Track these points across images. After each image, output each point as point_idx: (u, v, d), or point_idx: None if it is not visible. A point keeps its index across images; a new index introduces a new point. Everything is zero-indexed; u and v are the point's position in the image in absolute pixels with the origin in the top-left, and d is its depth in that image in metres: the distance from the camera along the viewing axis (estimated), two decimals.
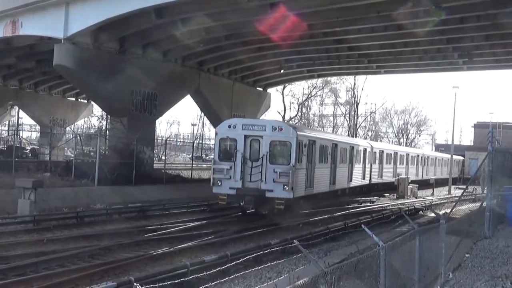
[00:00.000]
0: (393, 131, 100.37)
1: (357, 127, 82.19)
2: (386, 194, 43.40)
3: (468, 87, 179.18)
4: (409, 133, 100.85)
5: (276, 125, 26.71)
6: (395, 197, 42.91)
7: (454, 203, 26.46)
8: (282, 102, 62.86)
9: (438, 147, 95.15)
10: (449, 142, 75.04)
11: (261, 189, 25.33)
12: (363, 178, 40.41)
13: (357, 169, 38.42)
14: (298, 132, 26.43)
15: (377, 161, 43.46)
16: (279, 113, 62.66)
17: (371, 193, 41.38)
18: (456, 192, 52.48)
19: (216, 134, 27.09)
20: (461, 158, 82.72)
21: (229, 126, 26.68)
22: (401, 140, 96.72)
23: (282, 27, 29.47)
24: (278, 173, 25.36)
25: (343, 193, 35.83)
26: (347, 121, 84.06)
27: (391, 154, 47.95)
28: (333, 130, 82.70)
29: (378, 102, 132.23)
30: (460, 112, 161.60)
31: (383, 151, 45.72)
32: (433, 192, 50.26)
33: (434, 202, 38.93)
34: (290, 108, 67.34)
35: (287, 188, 25.29)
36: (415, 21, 28.96)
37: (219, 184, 26.11)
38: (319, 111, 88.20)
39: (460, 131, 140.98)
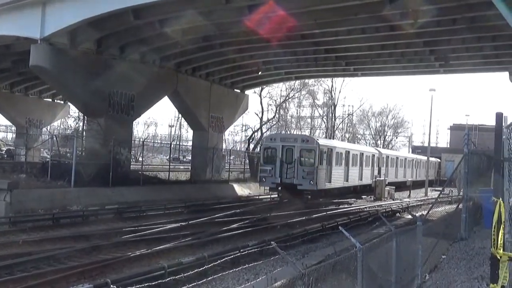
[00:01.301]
0: (371, 133, 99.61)
1: (335, 129, 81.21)
2: (363, 196, 43.70)
3: (445, 90, 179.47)
4: (386, 135, 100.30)
5: (304, 138, 40.29)
6: (372, 199, 43.10)
7: (430, 205, 27.18)
8: (260, 104, 61.03)
9: (415, 149, 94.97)
10: (426, 144, 75.28)
11: (294, 184, 37.03)
12: (372, 177, 49.32)
13: (366, 170, 48.22)
14: (320, 143, 38.68)
15: (384, 164, 53.06)
16: (257, 114, 61.08)
17: (346, 196, 42.08)
18: (433, 194, 52.56)
19: (261, 144, 40.70)
20: (438, 160, 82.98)
21: (271, 139, 40.13)
22: (378, 142, 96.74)
23: (260, 29, 29.58)
24: (306, 172, 37.25)
25: (355, 189, 45.88)
26: (324, 123, 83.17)
27: (393, 158, 56.94)
28: (310, 132, 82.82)
29: (355, 104, 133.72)
30: (436, 114, 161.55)
31: (388, 156, 55.10)
32: (409, 194, 50.34)
33: (411, 204, 38.95)
34: (268, 110, 65.57)
35: (312, 183, 37.24)
36: (393, 23, 29.09)
37: (264, 180, 38.80)
38: (297, 113, 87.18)
39: (436, 133, 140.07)
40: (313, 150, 38.04)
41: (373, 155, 50.70)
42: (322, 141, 41.03)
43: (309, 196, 37.14)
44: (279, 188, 37.82)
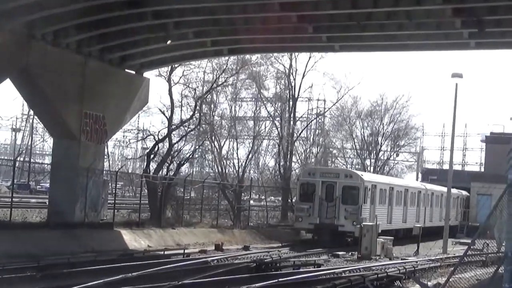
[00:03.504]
0: (354, 147, 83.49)
1: (294, 140, 65.80)
2: (340, 253, 39.32)
3: (478, 80, 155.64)
4: (379, 149, 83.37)
5: (348, 173, 43.94)
6: (356, 257, 38.56)
7: (452, 269, 23.23)
8: (168, 94, 49.19)
9: (427, 174, 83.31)
10: (445, 167, 64.88)
11: (335, 224, 41.06)
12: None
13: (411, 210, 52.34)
14: (364, 178, 42.86)
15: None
16: (163, 113, 50.08)
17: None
18: (456, 249, 45.89)
19: (297, 179, 48.51)
20: (464, 193, 72.50)
21: (309, 174, 43.38)
22: (368, 161, 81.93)
23: None
24: (348, 211, 40.65)
25: (398, 232, 48.01)
26: (277, 128, 67.03)
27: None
28: (253, 142, 64.89)
29: (330, 99, 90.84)
30: (463, 117, 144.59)
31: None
32: (418, 250, 44.21)
33: (419, 266, 34.76)
34: (181, 105, 53.66)
35: (355, 223, 39.56)
36: None
37: (300, 220, 41.95)
38: (230, 111, 68.78)
39: (463, 148, 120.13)
40: (357, 187, 41.01)
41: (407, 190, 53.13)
42: (367, 177, 45.59)
43: (350, 239, 41.48)
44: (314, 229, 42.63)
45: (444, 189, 57.66)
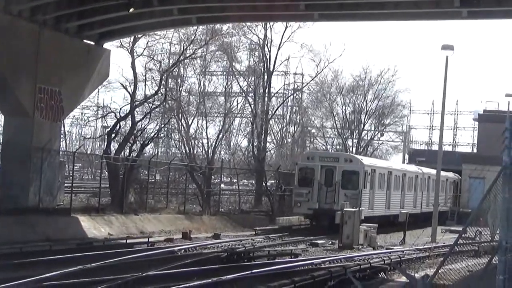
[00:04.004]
0: (334, 126, 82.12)
1: (269, 117, 65.76)
2: (320, 242, 39.19)
3: (469, 53, 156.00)
4: (363, 128, 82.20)
5: (347, 157, 46.34)
6: (337, 246, 38.56)
7: (441, 259, 23.11)
8: (131, 67, 48.79)
9: (415, 156, 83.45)
10: (435, 148, 68.90)
11: (334, 210, 41.65)
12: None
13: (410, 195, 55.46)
14: (364, 163, 45.53)
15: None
16: (125, 88, 49.38)
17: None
18: (446, 238, 45.68)
19: (296, 164, 48.40)
20: (455, 176, 72.67)
21: (308, 158, 46.09)
22: (350, 142, 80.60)
23: None
24: (348, 196, 42.33)
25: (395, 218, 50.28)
26: (250, 105, 66.38)
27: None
28: (224, 120, 64.73)
29: (308, 73, 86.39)
30: (454, 93, 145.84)
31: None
32: (404, 238, 44.16)
33: (406, 257, 34.81)
34: (145, 80, 53.16)
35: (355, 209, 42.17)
36: None
37: (299, 205, 43.57)
38: (199, 86, 68.19)
39: (454, 127, 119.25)
40: (358, 172, 43.26)
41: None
42: (367, 161, 48.21)
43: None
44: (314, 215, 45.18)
45: (441, 172, 58.16)
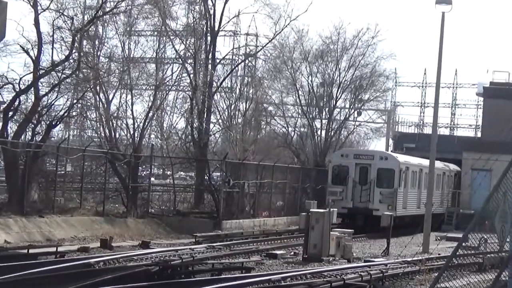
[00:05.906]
0: (298, 102, 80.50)
1: (214, 91, 64.77)
2: (278, 253, 39.67)
3: (469, 17, 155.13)
4: (334, 105, 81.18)
5: (383, 155, 58.67)
6: (300, 258, 39.31)
7: (436, 274, 24.77)
8: (34, 25, 47.99)
9: (402, 141, 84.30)
10: (427, 131, 73.48)
11: (369, 208, 54.93)
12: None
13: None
14: (399, 160, 56.10)
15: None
16: (27, 52, 48.61)
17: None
18: (441, 247, 47.02)
19: (329, 162, 62.19)
20: (454, 168, 73.70)
21: (342, 155, 57.80)
22: (318, 122, 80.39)
23: None
24: (384, 195, 54.38)
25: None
26: (189, 75, 65.02)
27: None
28: (154, 95, 62.17)
29: (263, 33, 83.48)
30: (451, 62, 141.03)
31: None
32: (388, 248, 44.96)
33: (390, 271, 34.78)
34: (53, 41, 50.91)
35: (390, 208, 51.82)
36: None
37: (333, 203, 48.28)
38: (123, 50, 66.06)
39: (452, 105, 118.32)
40: (393, 170, 53.36)
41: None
42: (401, 158, 58.47)
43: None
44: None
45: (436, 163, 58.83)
